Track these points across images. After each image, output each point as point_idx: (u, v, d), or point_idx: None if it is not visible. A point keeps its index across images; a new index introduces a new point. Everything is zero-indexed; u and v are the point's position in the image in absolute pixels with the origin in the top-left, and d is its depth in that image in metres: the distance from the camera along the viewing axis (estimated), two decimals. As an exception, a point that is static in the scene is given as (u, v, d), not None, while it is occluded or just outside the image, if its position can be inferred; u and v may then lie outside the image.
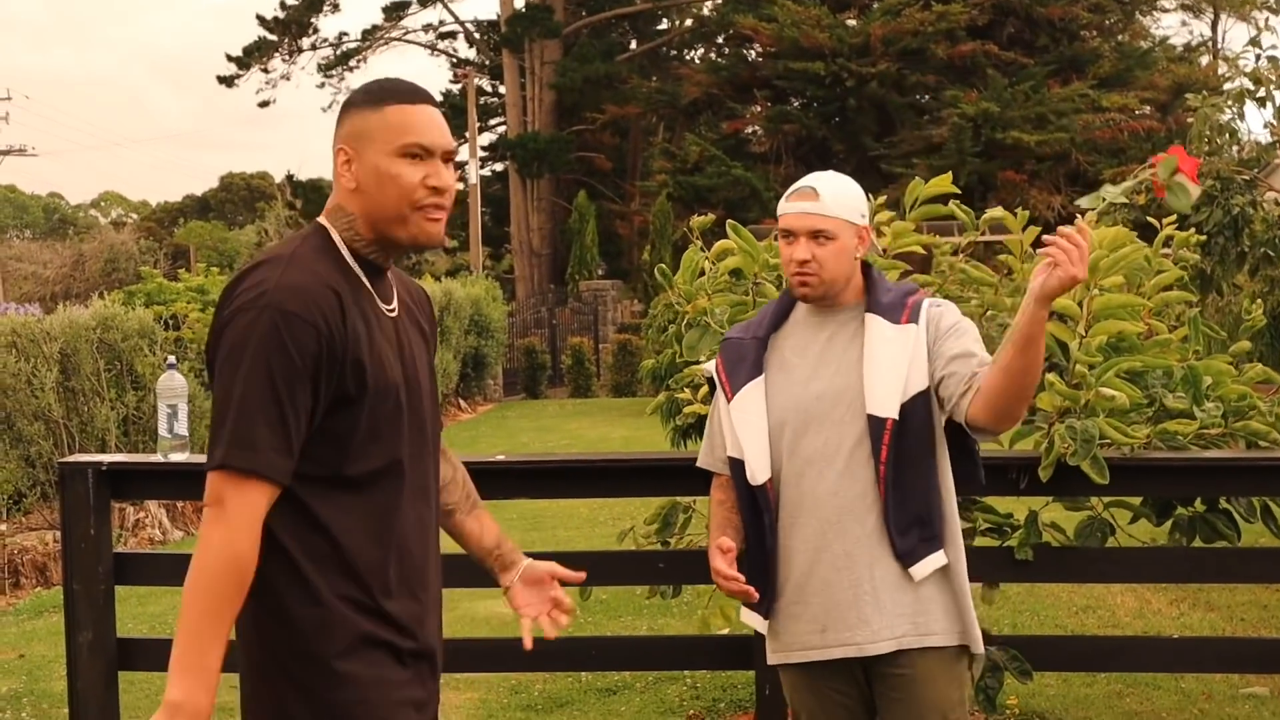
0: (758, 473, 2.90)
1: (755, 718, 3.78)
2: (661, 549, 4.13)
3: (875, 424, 2.79)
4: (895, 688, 2.83)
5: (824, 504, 2.83)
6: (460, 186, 38.39)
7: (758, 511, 2.92)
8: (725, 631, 4.31)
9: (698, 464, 3.17)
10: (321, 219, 2.31)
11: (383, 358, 2.22)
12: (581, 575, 2.66)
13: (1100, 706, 5.23)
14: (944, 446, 2.90)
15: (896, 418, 2.78)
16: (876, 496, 2.80)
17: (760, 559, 2.92)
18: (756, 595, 2.86)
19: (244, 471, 2.09)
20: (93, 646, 3.66)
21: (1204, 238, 7.82)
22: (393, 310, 2.31)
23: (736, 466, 2.96)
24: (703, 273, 4.25)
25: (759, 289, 4.02)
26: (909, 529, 2.80)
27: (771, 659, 2.99)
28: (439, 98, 34.42)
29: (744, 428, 2.94)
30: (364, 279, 2.26)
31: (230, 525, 2.09)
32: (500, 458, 3.90)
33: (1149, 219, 4.77)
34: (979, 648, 2.88)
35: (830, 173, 2.98)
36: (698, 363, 4.83)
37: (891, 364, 2.82)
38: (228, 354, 2.13)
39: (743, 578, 2.84)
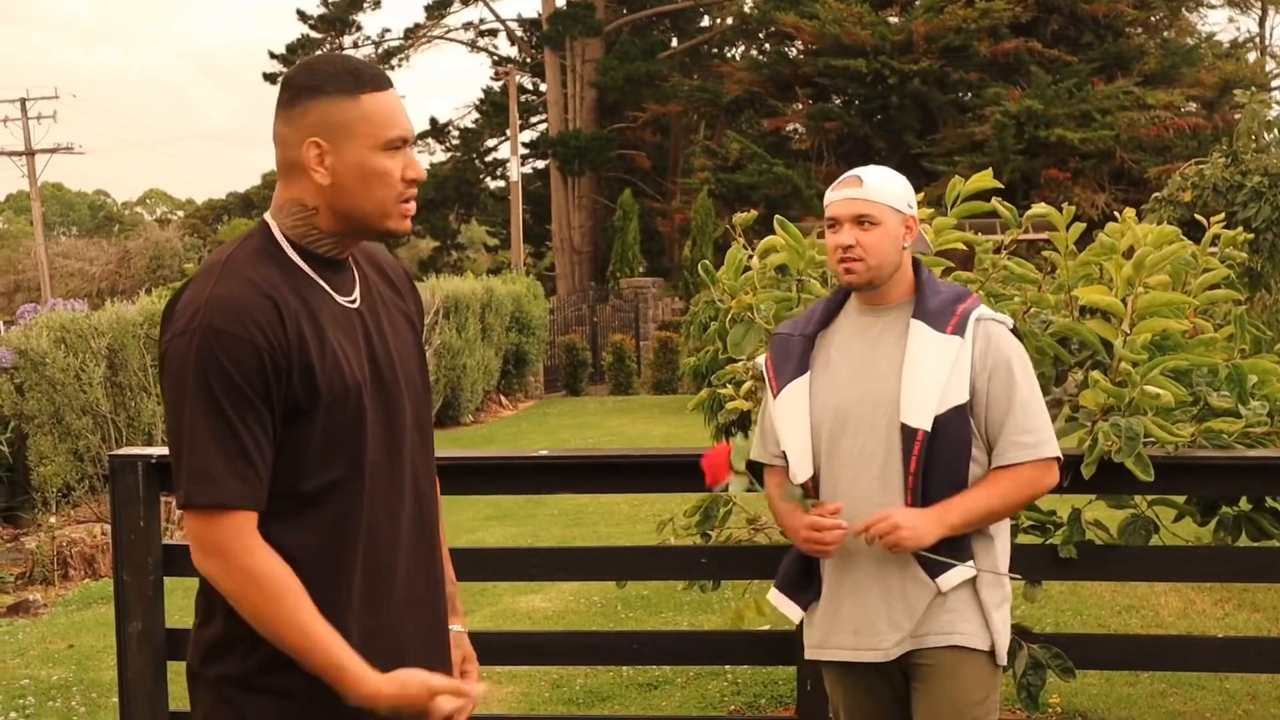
0: (798, 471, 2.93)
1: (796, 713, 3.79)
2: (702, 542, 4.14)
3: (907, 434, 2.79)
4: (920, 678, 2.88)
5: (857, 508, 2.83)
6: (503, 183, 38.54)
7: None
8: (766, 627, 4.33)
9: (750, 458, 3.19)
10: (266, 216, 2.16)
11: (339, 359, 2.07)
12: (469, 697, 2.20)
13: (1143, 706, 5.21)
14: (984, 458, 2.88)
15: (928, 430, 2.78)
16: (905, 505, 2.81)
17: (800, 554, 2.96)
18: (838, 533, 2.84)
19: (210, 507, 1.98)
20: (142, 636, 3.71)
21: (1252, 235, 7.76)
22: (353, 301, 2.16)
23: (763, 466, 3.03)
24: (747, 269, 4.26)
25: (804, 285, 4.03)
26: (936, 542, 2.79)
27: (807, 654, 3.03)
28: (480, 95, 34.29)
29: (786, 425, 2.96)
30: (313, 275, 2.11)
31: (229, 564, 2.00)
32: (543, 453, 3.92)
33: (1196, 216, 4.74)
34: (1003, 657, 2.89)
35: (878, 166, 2.98)
36: (739, 359, 4.85)
37: (930, 374, 2.80)
38: (170, 385, 2.01)
39: (831, 515, 2.83)
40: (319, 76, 2.09)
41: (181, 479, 1.99)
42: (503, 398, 21.50)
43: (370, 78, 2.10)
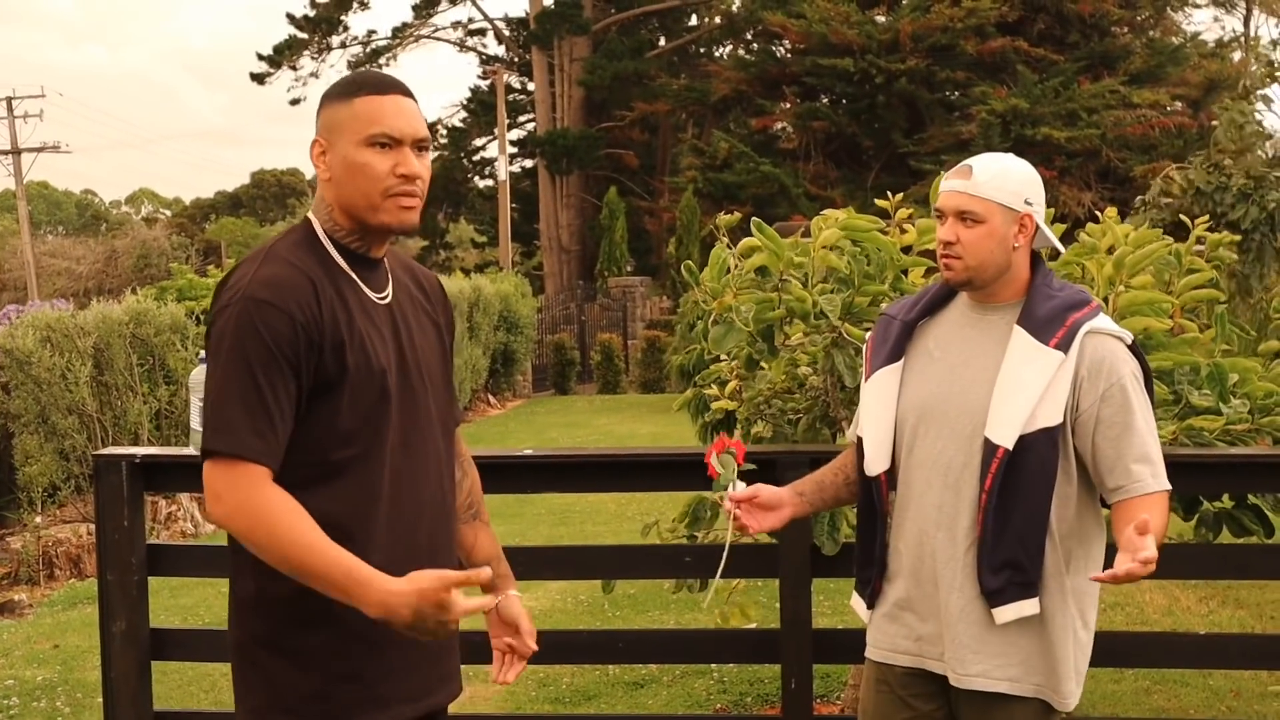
0: (873, 463, 2.79)
1: (781, 712, 3.80)
2: (688, 543, 4.14)
3: (988, 448, 2.59)
4: (960, 716, 2.72)
5: (927, 514, 2.69)
6: (491, 182, 38.52)
7: (871, 501, 2.81)
8: (753, 626, 4.33)
9: (847, 436, 3.05)
10: (309, 214, 2.36)
11: (367, 343, 2.24)
12: (530, 649, 2.57)
13: (1128, 703, 5.23)
14: (1074, 491, 2.65)
15: (1010, 448, 2.57)
16: (975, 522, 2.62)
17: (871, 549, 2.81)
18: (753, 527, 2.80)
19: (229, 456, 2.12)
20: (126, 636, 3.71)
21: (1239, 237, 7.79)
22: (385, 298, 2.34)
23: (860, 446, 2.85)
24: (729, 270, 4.26)
25: (785, 286, 4.03)
26: (1001, 568, 2.59)
27: (868, 651, 2.86)
28: (467, 94, 34.24)
29: (869, 413, 2.83)
30: (348, 269, 2.30)
31: (235, 507, 2.12)
32: (528, 452, 3.92)
33: (1181, 218, 4.75)
34: (1063, 704, 2.65)
35: (1001, 154, 2.77)
36: (724, 359, 4.86)
37: (1024, 389, 2.59)
38: (212, 352, 2.19)
39: (747, 496, 2.79)
40: (333, 86, 2.34)
41: (207, 429, 2.15)
42: (490, 397, 21.49)
43: (371, 84, 2.29)
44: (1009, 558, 2.59)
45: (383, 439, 2.25)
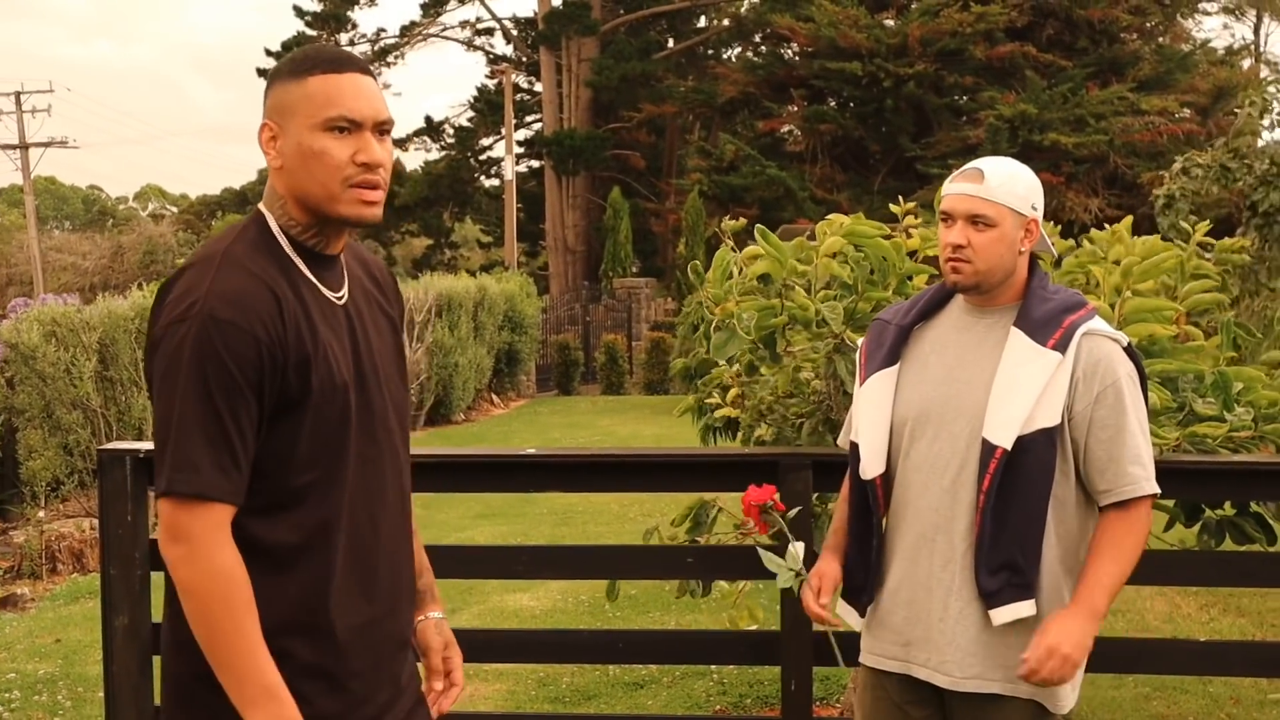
0: (868, 467, 2.77)
1: (781, 714, 3.80)
2: (689, 544, 4.14)
3: (986, 449, 2.59)
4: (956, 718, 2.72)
5: (924, 517, 2.69)
6: (497, 182, 38.54)
7: (866, 506, 2.80)
8: (753, 628, 4.33)
9: (837, 442, 3.03)
10: (260, 205, 2.15)
11: (329, 357, 2.06)
12: (451, 682, 2.41)
13: (1128, 709, 5.23)
14: (1072, 492, 2.65)
15: (1008, 449, 2.56)
16: (973, 524, 2.61)
17: (865, 554, 2.80)
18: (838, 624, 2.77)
19: (191, 496, 1.95)
20: (128, 631, 3.71)
21: (1249, 241, 7.75)
22: (341, 297, 2.15)
23: (854, 452, 2.84)
24: (733, 275, 4.26)
25: (789, 293, 4.03)
26: (999, 569, 2.58)
27: (861, 657, 2.86)
28: (475, 94, 34.16)
29: (864, 417, 2.81)
30: (304, 269, 2.10)
31: (195, 552, 1.96)
32: (531, 451, 3.93)
33: (1184, 224, 4.75)
34: (1058, 706, 2.66)
35: (1004, 158, 2.76)
36: (725, 364, 4.86)
37: (1021, 389, 2.59)
38: (163, 373, 1.97)
39: (826, 613, 2.74)
40: (283, 62, 2.11)
41: (165, 466, 1.96)
42: (494, 396, 21.50)
43: (325, 61, 2.06)
44: (1006, 559, 2.59)
45: (344, 460, 2.09)
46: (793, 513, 2.87)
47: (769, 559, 2.84)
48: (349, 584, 2.11)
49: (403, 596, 2.24)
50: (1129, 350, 2.70)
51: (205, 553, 1.95)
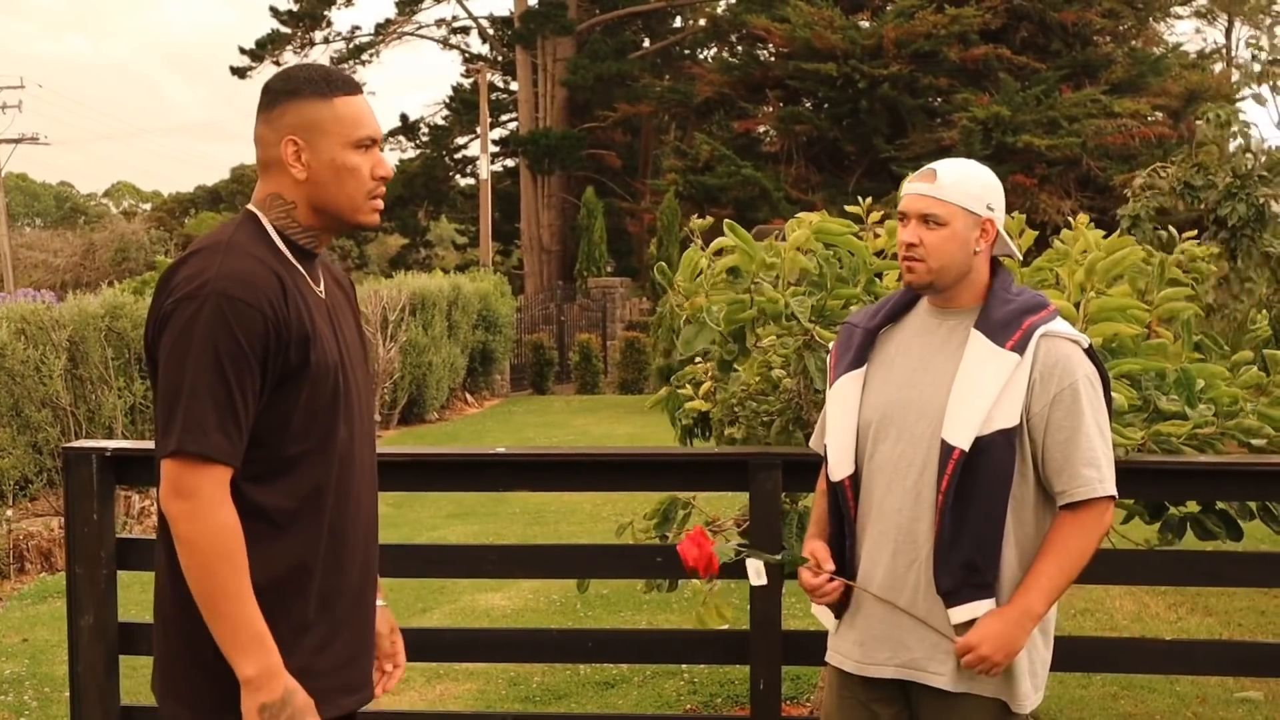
0: (836, 468, 2.80)
1: (750, 713, 3.81)
2: (660, 544, 4.15)
3: (944, 450, 2.61)
4: (920, 715, 2.73)
5: (888, 517, 2.71)
6: (472, 181, 38.46)
7: (838, 507, 2.82)
8: (725, 627, 4.34)
9: (810, 444, 3.06)
10: (252, 207, 2.35)
11: (323, 338, 2.28)
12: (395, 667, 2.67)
13: (1095, 708, 5.26)
14: (1032, 493, 2.68)
15: (966, 450, 2.59)
16: (933, 525, 2.64)
17: (839, 554, 2.81)
18: (837, 593, 2.76)
19: (198, 456, 2.12)
20: (94, 630, 3.69)
21: (1218, 249, 7.79)
22: (322, 293, 2.37)
23: (826, 453, 2.87)
24: (701, 271, 4.27)
25: (758, 289, 4.04)
26: (956, 568, 2.61)
27: (828, 656, 2.87)
28: (450, 92, 34.25)
29: (833, 419, 2.84)
30: (296, 264, 2.32)
31: (201, 508, 2.12)
32: (501, 450, 3.92)
33: (1169, 230, 4.77)
34: (1020, 705, 2.67)
35: (965, 160, 2.79)
36: (699, 360, 4.86)
37: (980, 390, 2.61)
38: (174, 343, 2.15)
39: (826, 580, 2.75)
40: (295, 82, 2.31)
41: (175, 428, 2.12)
42: (468, 395, 21.47)
43: (342, 83, 2.31)
44: (965, 559, 2.61)
45: (333, 433, 2.28)
46: (731, 544, 2.85)
47: (754, 569, 2.83)
48: (335, 549, 2.30)
49: (373, 569, 2.45)
50: (1090, 352, 2.72)
51: (210, 509, 2.12)
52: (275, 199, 2.32)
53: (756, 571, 2.82)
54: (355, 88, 2.33)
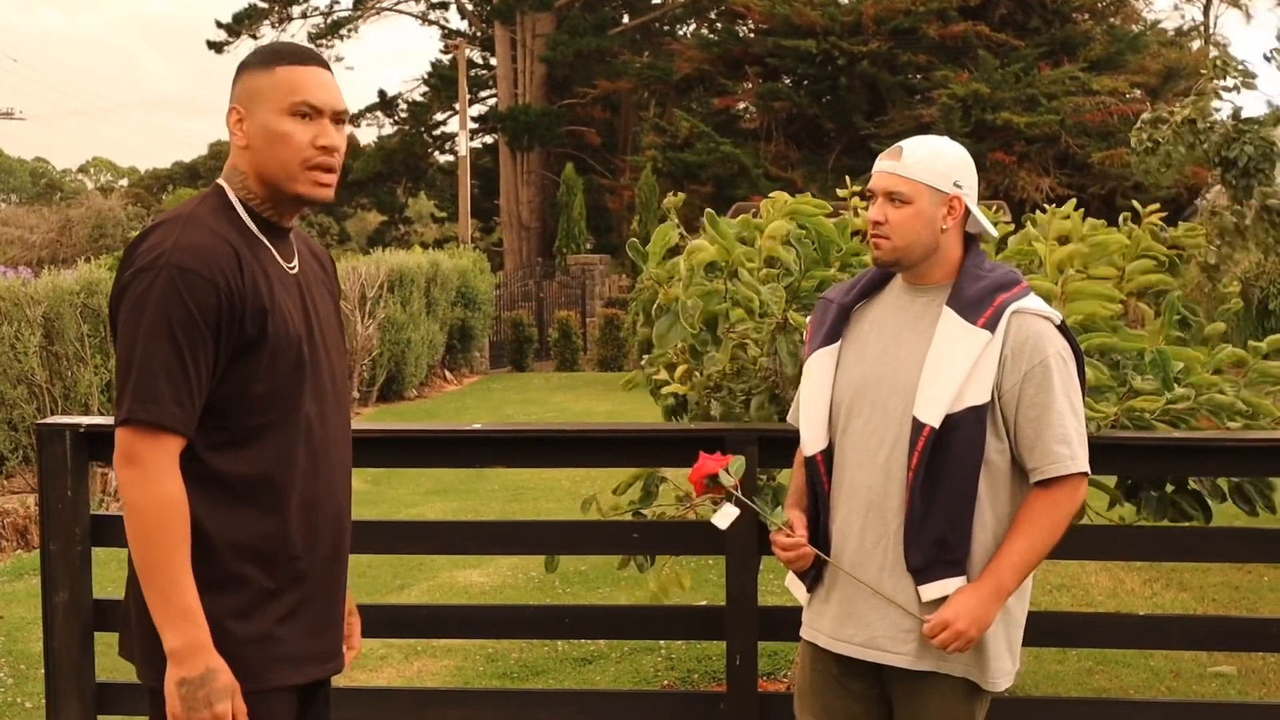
0: (809, 444, 2.81)
1: (726, 688, 3.82)
2: (636, 520, 4.15)
3: (915, 427, 2.62)
4: (899, 702, 2.74)
5: (858, 494, 2.71)
6: (452, 158, 38.33)
7: (812, 483, 2.82)
8: (703, 603, 4.35)
9: (788, 419, 3.06)
10: (220, 180, 2.38)
11: (284, 311, 2.28)
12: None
13: (1070, 683, 5.29)
14: (1005, 470, 2.68)
15: (936, 427, 2.59)
16: (903, 501, 2.65)
17: (813, 529, 2.82)
18: (808, 560, 2.77)
19: (149, 425, 2.15)
20: (68, 607, 3.68)
21: (1202, 231, 7.82)
22: (293, 268, 2.38)
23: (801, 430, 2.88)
24: (675, 249, 4.25)
25: (733, 283, 4.01)
26: (926, 545, 2.62)
27: (802, 631, 2.89)
28: (429, 69, 33.92)
29: (805, 394, 2.85)
30: (262, 237, 2.33)
31: (148, 475, 2.15)
32: (477, 426, 3.92)
33: (1134, 204, 4.76)
34: (992, 683, 2.69)
35: (935, 137, 2.79)
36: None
37: (951, 368, 2.62)
38: (129, 313, 2.19)
39: (803, 543, 2.75)
40: (251, 55, 2.36)
41: (127, 396, 2.16)
42: (447, 373, 21.43)
43: (290, 54, 2.33)
44: (936, 535, 2.62)
45: (298, 406, 2.30)
46: (734, 469, 2.82)
47: (723, 514, 2.82)
48: (306, 522, 2.32)
49: (345, 544, 2.46)
50: (1062, 328, 2.72)
51: (156, 477, 2.15)
52: (234, 170, 2.35)
53: (725, 516, 2.81)
54: (307, 59, 2.33)
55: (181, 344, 2.16)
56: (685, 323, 3.94)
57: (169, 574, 2.15)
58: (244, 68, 2.35)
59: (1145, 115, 9.09)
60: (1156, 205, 4.68)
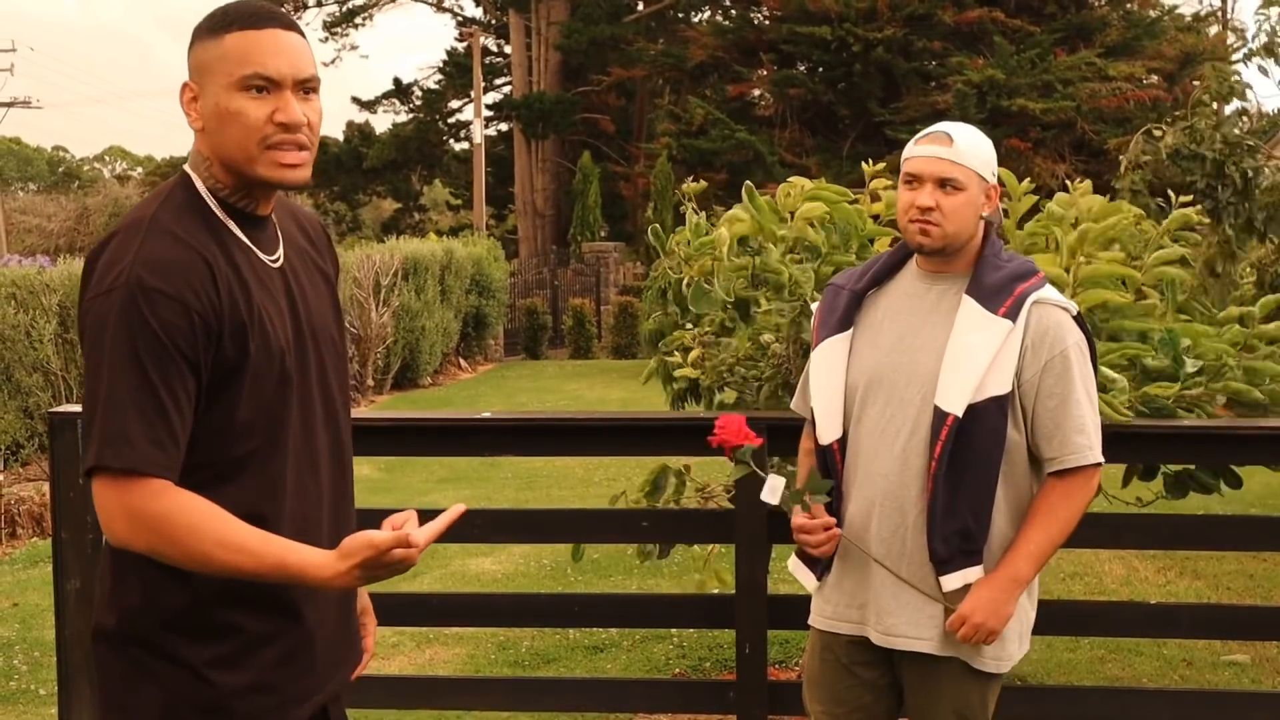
0: (824, 432, 2.79)
1: (736, 676, 3.81)
2: (646, 508, 4.14)
3: (938, 416, 2.60)
4: (911, 690, 2.75)
5: (875, 481, 2.70)
6: (466, 145, 38.30)
7: (826, 471, 2.81)
8: (715, 591, 4.34)
9: (791, 406, 3.05)
10: (186, 167, 2.07)
11: (266, 322, 2.00)
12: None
13: (1082, 671, 5.28)
14: (1023, 459, 2.69)
15: (959, 415, 2.59)
16: (924, 490, 2.64)
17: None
18: (835, 543, 2.75)
19: (121, 471, 1.85)
20: (80, 595, 3.70)
21: (1205, 218, 7.77)
22: (277, 259, 2.09)
23: (811, 416, 2.86)
24: (706, 233, 4.25)
25: (764, 257, 4.00)
26: (950, 535, 2.61)
27: (811, 619, 2.88)
28: (444, 56, 33.69)
29: (818, 382, 2.83)
30: (236, 230, 2.03)
31: (136, 522, 1.87)
32: (487, 415, 3.91)
33: (1157, 203, 4.73)
34: (1000, 667, 2.70)
35: (964, 124, 2.77)
36: (688, 326, 4.85)
37: (972, 357, 2.61)
38: (91, 344, 1.90)
39: (832, 523, 2.73)
40: (203, 20, 2.03)
41: (93, 440, 1.86)
42: (461, 360, 21.45)
43: (243, 17, 1.98)
44: (959, 526, 2.62)
45: (284, 425, 2.02)
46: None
47: (771, 488, 2.74)
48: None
49: None
50: (1079, 319, 2.72)
51: (145, 515, 1.86)
52: (198, 155, 2.04)
53: (772, 489, 2.74)
54: (261, 21, 1.97)
55: (153, 375, 1.86)
56: (721, 291, 3.94)
57: (238, 557, 1.88)
58: (195, 36, 2.01)
59: (1130, 152, 9.07)
60: (1190, 198, 4.64)
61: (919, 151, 2.71)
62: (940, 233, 2.67)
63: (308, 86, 2.02)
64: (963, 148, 2.67)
